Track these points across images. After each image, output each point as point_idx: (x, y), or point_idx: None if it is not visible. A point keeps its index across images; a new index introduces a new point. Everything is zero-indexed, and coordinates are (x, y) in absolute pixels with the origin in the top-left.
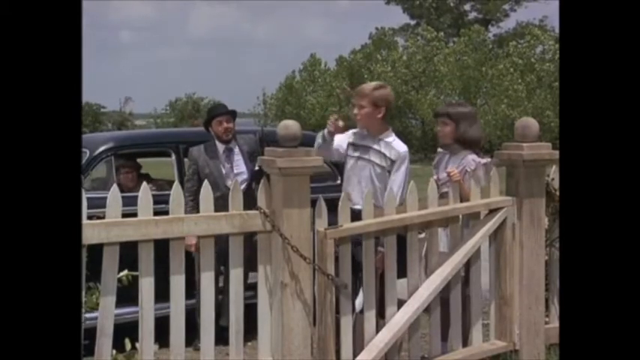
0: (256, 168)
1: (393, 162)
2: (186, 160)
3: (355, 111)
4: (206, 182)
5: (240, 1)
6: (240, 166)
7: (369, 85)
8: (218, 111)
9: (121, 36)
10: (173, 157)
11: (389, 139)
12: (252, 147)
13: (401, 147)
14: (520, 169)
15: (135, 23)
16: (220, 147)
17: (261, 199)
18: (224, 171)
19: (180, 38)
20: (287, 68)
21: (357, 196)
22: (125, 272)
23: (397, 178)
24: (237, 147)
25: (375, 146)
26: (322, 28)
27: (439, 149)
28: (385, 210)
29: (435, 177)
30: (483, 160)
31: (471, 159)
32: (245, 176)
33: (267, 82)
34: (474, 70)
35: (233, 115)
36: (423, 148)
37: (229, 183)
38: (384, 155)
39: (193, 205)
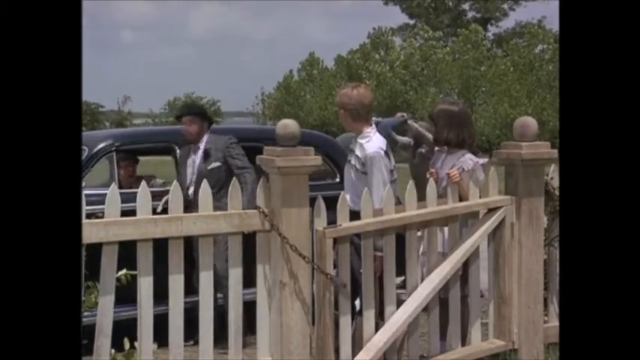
0: (211, 166)
1: (363, 163)
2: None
3: None
4: (205, 182)
5: (241, 1)
6: (197, 164)
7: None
8: (182, 111)
9: (121, 35)
10: (176, 154)
11: (363, 140)
12: (208, 145)
13: (370, 147)
14: (519, 169)
15: (136, 22)
16: (191, 145)
17: (260, 199)
18: (189, 170)
19: (180, 38)
20: (286, 67)
21: (349, 197)
22: (124, 271)
23: (370, 181)
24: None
25: (354, 148)
26: (322, 28)
27: (436, 148)
28: (383, 210)
29: (432, 170)
30: (481, 160)
31: (468, 158)
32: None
33: (266, 82)
34: (472, 69)
35: (199, 116)
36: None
37: (188, 180)
38: (358, 157)
39: None
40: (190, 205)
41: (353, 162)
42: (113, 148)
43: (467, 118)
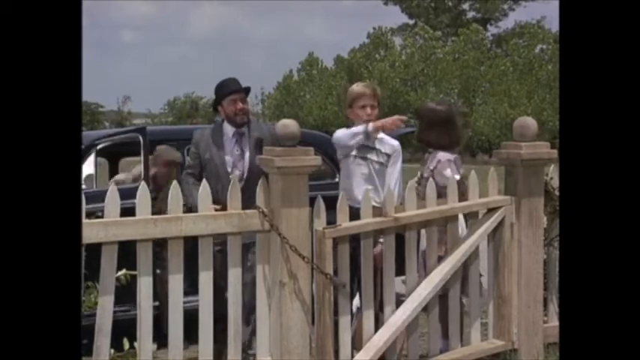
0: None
1: (388, 156)
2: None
3: (369, 111)
4: (204, 182)
5: (241, 0)
6: (247, 155)
7: (373, 85)
8: (232, 88)
9: (121, 35)
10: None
11: (380, 135)
12: (264, 134)
13: (393, 141)
14: (519, 169)
15: (136, 22)
16: (229, 130)
17: (259, 199)
18: (231, 158)
19: (180, 38)
20: (286, 68)
21: (360, 195)
22: (123, 271)
23: (394, 173)
24: (248, 132)
25: (370, 144)
26: (322, 28)
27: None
28: (385, 209)
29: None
30: (451, 157)
31: (438, 157)
32: (247, 164)
33: (266, 82)
34: (472, 69)
35: (247, 92)
36: (422, 148)
37: (237, 173)
38: (380, 151)
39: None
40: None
41: (370, 156)
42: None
43: (451, 119)
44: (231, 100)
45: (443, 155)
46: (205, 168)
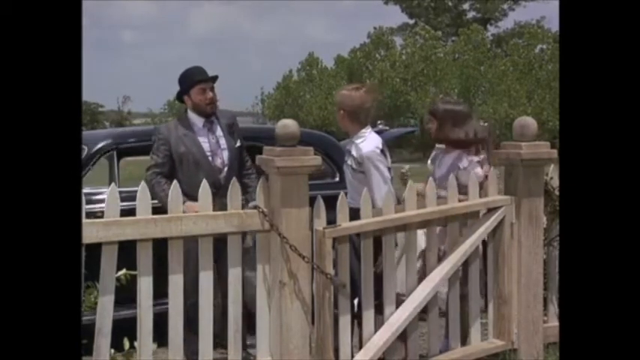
0: (237, 144)
1: (360, 163)
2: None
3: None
4: (204, 182)
5: (241, 0)
6: (223, 142)
7: (341, 89)
8: (200, 77)
9: (121, 35)
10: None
11: (358, 140)
12: (231, 120)
13: (366, 147)
14: (519, 169)
15: (136, 22)
16: (199, 121)
17: (259, 198)
18: (208, 147)
19: (180, 38)
20: (286, 68)
21: (349, 196)
22: (123, 271)
23: (369, 181)
24: (217, 120)
25: (349, 148)
26: (322, 28)
27: (437, 145)
28: (383, 209)
29: (432, 175)
30: (477, 158)
31: (464, 157)
32: (226, 154)
33: (266, 82)
34: (472, 69)
35: (214, 81)
36: (422, 148)
37: (218, 161)
38: (354, 157)
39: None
40: (221, 193)
41: (349, 162)
42: (113, 147)
43: (469, 118)
44: (200, 89)
45: (468, 155)
46: (181, 162)
